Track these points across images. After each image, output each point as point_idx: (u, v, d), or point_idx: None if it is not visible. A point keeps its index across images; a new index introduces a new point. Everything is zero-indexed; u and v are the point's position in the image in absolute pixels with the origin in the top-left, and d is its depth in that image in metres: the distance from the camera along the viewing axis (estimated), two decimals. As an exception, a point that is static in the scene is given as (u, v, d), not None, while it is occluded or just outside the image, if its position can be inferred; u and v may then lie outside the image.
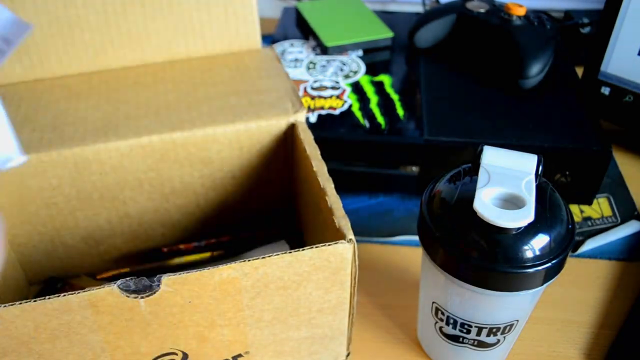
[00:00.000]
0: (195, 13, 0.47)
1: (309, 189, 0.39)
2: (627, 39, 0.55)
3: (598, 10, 0.76)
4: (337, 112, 0.54)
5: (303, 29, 0.69)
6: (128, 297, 0.29)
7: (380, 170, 0.53)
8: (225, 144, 0.42)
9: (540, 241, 0.31)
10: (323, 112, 0.54)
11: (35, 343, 0.30)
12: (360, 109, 0.54)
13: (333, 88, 0.57)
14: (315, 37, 0.65)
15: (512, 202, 0.32)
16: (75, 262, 0.46)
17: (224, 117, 0.42)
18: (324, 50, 0.63)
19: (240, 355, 0.36)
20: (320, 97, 0.56)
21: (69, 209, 0.42)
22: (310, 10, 0.71)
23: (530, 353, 0.42)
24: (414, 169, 0.52)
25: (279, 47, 0.65)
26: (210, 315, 0.32)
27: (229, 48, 0.49)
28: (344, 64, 0.61)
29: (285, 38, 0.67)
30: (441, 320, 0.37)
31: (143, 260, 0.47)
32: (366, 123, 0.52)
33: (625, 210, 0.53)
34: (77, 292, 0.29)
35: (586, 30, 0.73)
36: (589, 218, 0.53)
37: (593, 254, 0.49)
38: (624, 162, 0.59)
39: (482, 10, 0.61)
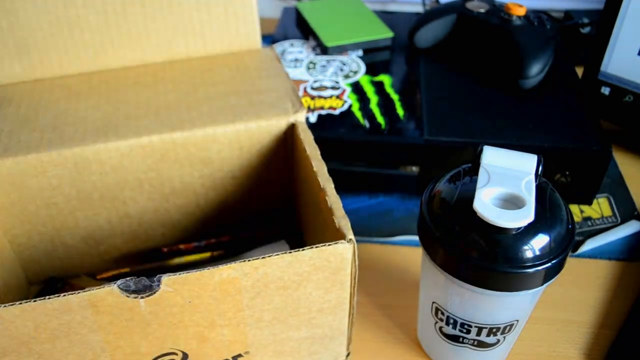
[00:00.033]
0: (195, 13, 0.47)
1: (309, 189, 0.39)
2: (627, 39, 0.55)
3: (598, 10, 0.76)
4: (337, 112, 0.54)
5: (303, 29, 0.69)
6: (128, 297, 0.29)
7: (380, 170, 0.53)
8: (225, 144, 0.42)
9: (540, 241, 0.31)
10: (323, 112, 0.54)
11: (35, 343, 0.30)
12: (360, 109, 0.54)
13: (333, 88, 0.57)
14: (315, 37, 0.65)
15: (512, 202, 0.32)
16: (75, 262, 0.46)
17: (224, 117, 0.42)
18: (324, 50, 0.63)
19: (240, 355, 0.36)
20: (320, 97, 0.56)
21: (69, 209, 0.42)
22: (310, 10, 0.71)
23: (530, 353, 0.42)
24: (414, 169, 0.52)
25: (279, 47, 0.65)
26: (210, 315, 0.32)
27: (229, 48, 0.49)
28: (344, 64, 0.61)
29: (285, 38, 0.67)
30: (441, 320, 0.37)
31: (143, 260, 0.47)
32: (366, 123, 0.52)
33: (625, 210, 0.53)
34: (77, 292, 0.29)
35: (586, 30, 0.73)
36: (589, 218, 0.53)
37: (593, 254, 0.49)
38: (624, 162, 0.59)
39: (482, 10, 0.61)
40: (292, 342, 0.36)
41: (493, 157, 0.34)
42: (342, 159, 0.53)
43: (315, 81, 0.58)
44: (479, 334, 0.36)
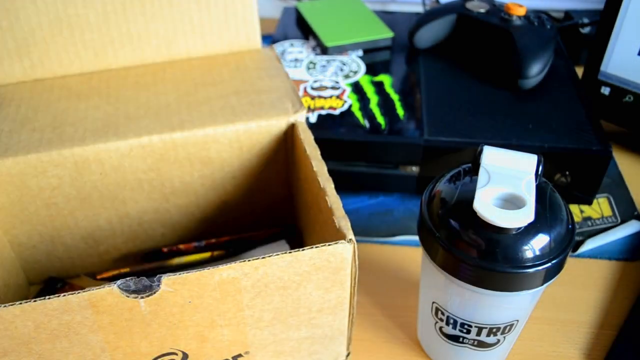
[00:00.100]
0: (195, 13, 0.47)
1: (309, 189, 0.39)
2: (627, 39, 0.55)
3: (598, 10, 0.76)
4: (337, 112, 0.54)
5: (303, 29, 0.69)
6: (128, 297, 0.29)
7: (380, 170, 0.53)
8: (225, 144, 0.42)
9: (540, 241, 0.31)
10: (323, 112, 0.54)
11: (35, 343, 0.30)
12: (360, 109, 0.54)
13: (333, 88, 0.57)
14: (315, 37, 0.65)
15: (512, 202, 0.32)
16: (75, 262, 0.46)
17: (224, 117, 0.42)
18: (324, 50, 0.63)
19: (240, 355, 0.36)
20: (320, 97, 0.56)
21: (69, 209, 0.42)
22: (310, 10, 0.71)
23: (530, 353, 0.42)
24: (414, 169, 0.52)
25: (279, 47, 0.65)
26: (210, 315, 0.32)
27: (229, 48, 0.49)
28: (344, 64, 0.61)
29: (285, 38, 0.67)
30: (441, 320, 0.37)
31: (143, 260, 0.47)
32: (366, 123, 0.52)
33: (625, 210, 0.53)
34: (77, 292, 0.29)
35: (586, 30, 0.73)
36: (589, 218, 0.53)
37: (593, 254, 0.49)
38: (624, 162, 0.59)
39: (482, 10, 0.61)
40: (292, 342, 0.36)
41: (493, 157, 0.34)
42: (342, 159, 0.53)
43: (315, 81, 0.58)
44: (479, 334, 0.36)
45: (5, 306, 0.28)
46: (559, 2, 0.82)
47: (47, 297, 0.28)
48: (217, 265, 0.30)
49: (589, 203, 0.53)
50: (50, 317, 0.29)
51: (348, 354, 0.40)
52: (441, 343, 0.39)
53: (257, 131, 0.42)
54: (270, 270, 0.31)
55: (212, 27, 0.47)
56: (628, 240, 0.50)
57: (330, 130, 0.51)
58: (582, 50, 0.73)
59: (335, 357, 0.39)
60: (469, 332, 0.36)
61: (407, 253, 0.49)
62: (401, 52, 0.63)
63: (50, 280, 0.46)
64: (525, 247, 0.31)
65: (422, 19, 0.62)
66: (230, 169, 0.44)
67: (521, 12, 0.59)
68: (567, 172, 0.50)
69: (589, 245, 0.50)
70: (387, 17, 0.70)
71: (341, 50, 0.63)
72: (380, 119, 0.52)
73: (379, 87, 0.57)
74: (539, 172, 0.34)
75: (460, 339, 0.37)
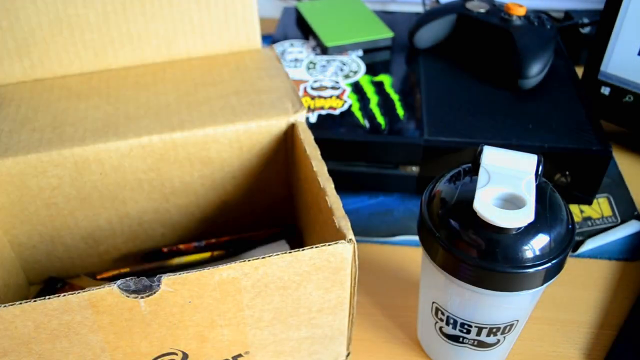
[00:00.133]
0: (195, 13, 0.47)
1: (309, 189, 0.39)
2: (627, 39, 0.55)
3: (598, 10, 0.76)
4: (337, 112, 0.54)
5: (303, 29, 0.69)
6: (128, 297, 0.29)
7: (380, 170, 0.53)
8: (225, 144, 0.42)
9: (540, 241, 0.31)
10: (323, 112, 0.54)
11: (35, 343, 0.30)
12: (360, 109, 0.54)
13: (333, 88, 0.57)
14: (315, 37, 0.65)
15: (512, 202, 0.32)
16: (75, 262, 0.46)
17: (224, 117, 0.42)
18: (324, 50, 0.63)
19: (240, 355, 0.36)
20: (320, 97, 0.56)
21: (69, 209, 0.42)
22: (310, 10, 0.71)
23: (530, 353, 0.42)
24: (414, 169, 0.52)
25: (279, 47, 0.65)
26: (210, 315, 0.32)
27: (229, 48, 0.49)
28: (344, 64, 0.61)
29: (285, 38, 0.67)
30: (441, 320, 0.37)
31: (143, 260, 0.47)
32: (366, 123, 0.52)
33: (625, 210, 0.53)
34: (77, 292, 0.29)
35: (586, 30, 0.73)
36: (589, 218, 0.53)
37: (593, 254, 0.49)
38: (624, 162, 0.59)
39: (482, 10, 0.61)
40: (292, 342, 0.36)
41: (493, 157, 0.34)
42: (342, 159, 0.53)
43: (315, 81, 0.58)
44: (479, 334, 0.36)
45: (5, 306, 0.28)
46: (559, 2, 0.82)
47: (47, 297, 0.28)
48: (217, 265, 0.30)
49: (589, 203, 0.53)
50: (50, 317, 0.29)
51: (348, 354, 0.40)
52: (441, 343, 0.39)
53: (257, 131, 0.42)
54: (270, 270, 0.31)
55: (212, 27, 0.47)
56: (628, 240, 0.50)
57: (330, 130, 0.51)
58: (582, 50, 0.73)
59: (335, 357, 0.39)
60: (469, 332, 0.36)
61: (407, 253, 0.49)
62: (401, 52, 0.63)
63: (50, 280, 0.46)
64: (525, 247, 0.31)
65: (422, 19, 0.62)
66: (230, 169, 0.44)
67: (521, 12, 0.59)
68: (567, 172, 0.50)
69: (589, 245, 0.50)
70: (387, 17, 0.70)
71: (341, 50, 0.63)
72: (380, 119, 0.52)
73: (379, 87, 0.57)
74: (539, 172, 0.34)
75: (460, 339, 0.37)
